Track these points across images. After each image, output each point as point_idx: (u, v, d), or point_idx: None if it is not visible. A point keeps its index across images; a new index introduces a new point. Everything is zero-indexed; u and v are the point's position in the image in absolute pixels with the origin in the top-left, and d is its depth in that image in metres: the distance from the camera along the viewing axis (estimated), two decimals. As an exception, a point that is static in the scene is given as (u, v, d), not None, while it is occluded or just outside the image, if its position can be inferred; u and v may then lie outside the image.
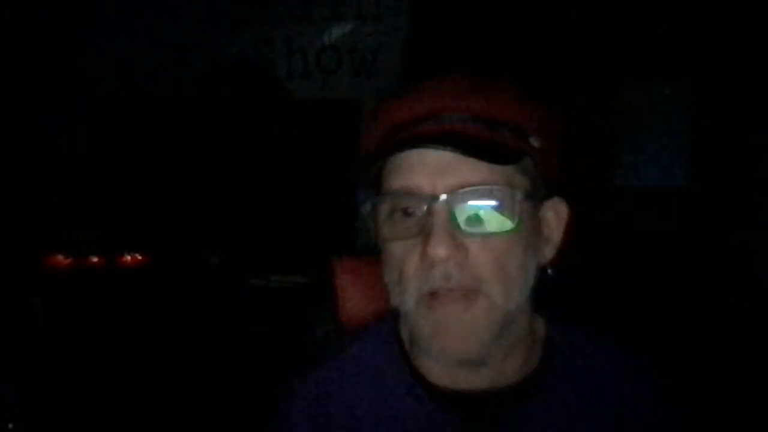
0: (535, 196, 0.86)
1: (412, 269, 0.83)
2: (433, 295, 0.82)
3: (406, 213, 0.84)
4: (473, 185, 0.81)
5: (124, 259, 3.18)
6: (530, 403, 0.88)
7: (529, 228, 0.85)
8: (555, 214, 0.91)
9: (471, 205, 0.82)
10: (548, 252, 0.90)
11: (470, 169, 0.81)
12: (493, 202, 0.82)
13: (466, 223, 0.81)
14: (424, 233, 0.81)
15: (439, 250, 0.79)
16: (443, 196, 0.81)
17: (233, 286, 3.10)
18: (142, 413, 2.57)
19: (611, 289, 2.86)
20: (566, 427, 0.88)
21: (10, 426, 1.48)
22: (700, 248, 2.89)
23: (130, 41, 3.47)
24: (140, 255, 3.21)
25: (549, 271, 0.89)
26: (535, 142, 0.87)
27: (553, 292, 0.92)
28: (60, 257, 3.10)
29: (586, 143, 2.96)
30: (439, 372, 0.89)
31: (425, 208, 0.82)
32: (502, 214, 0.82)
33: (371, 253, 1.03)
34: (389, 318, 0.97)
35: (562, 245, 0.91)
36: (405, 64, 3.25)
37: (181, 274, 3.12)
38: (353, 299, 1.16)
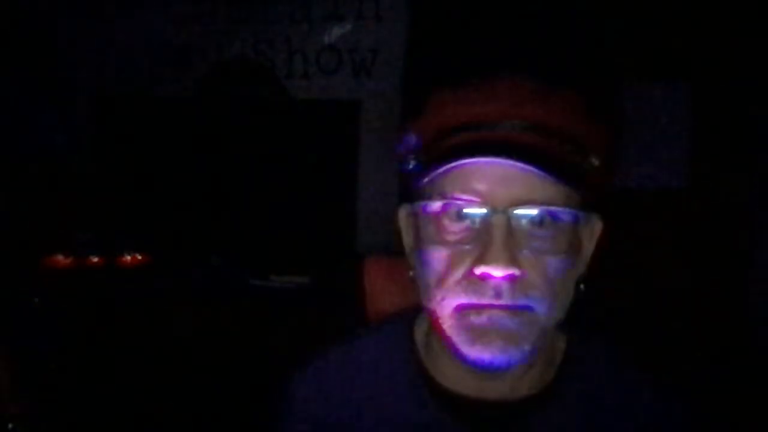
0: (583, 214, 0.84)
1: (458, 277, 0.80)
2: (478, 307, 0.79)
3: (459, 217, 0.81)
4: (535, 202, 0.79)
5: (124, 259, 3.18)
6: (539, 415, 0.87)
7: (577, 247, 0.85)
8: (591, 231, 0.89)
9: (529, 222, 0.79)
10: (582, 268, 0.88)
11: (532, 183, 0.78)
12: (555, 222, 0.80)
13: (522, 240, 0.79)
14: (480, 243, 0.79)
15: (496, 266, 0.77)
16: (505, 210, 0.78)
17: (233, 286, 3.10)
18: (142, 413, 2.57)
19: (611, 291, 2.86)
20: None
21: (10, 426, 1.48)
22: (700, 248, 2.89)
23: (130, 41, 3.47)
24: (140, 255, 3.21)
25: (581, 286, 0.87)
26: (595, 159, 0.84)
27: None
28: (60, 257, 3.10)
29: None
30: (455, 378, 0.88)
31: (484, 217, 0.79)
32: (559, 234, 0.80)
33: (386, 253, 1.05)
34: (404, 318, 0.96)
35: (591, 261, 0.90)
36: (405, 64, 3.25)
37: (181, 274, 3.12)
38: (384, 300, 1.15)
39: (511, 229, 0.78)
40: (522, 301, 0.79)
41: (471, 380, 0.86)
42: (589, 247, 0.89)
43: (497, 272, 0.77)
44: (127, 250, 3.20)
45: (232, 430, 2.50)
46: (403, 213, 0.90)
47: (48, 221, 3.18)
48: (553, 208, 0.79)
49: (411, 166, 0.86)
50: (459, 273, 0.80)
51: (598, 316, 1.05)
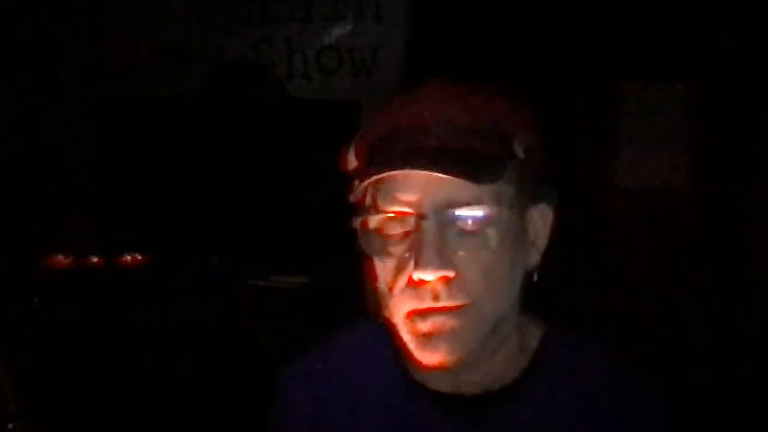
0: (521, 204, 0.86)
1: (401, 285, 0.83)
2: (421, 312, 0.82)
3: (395, 230, 0.84)
4: (460, 204, 0.81)
5: (124, 259, 3.18)
6: (513, 405, 0.90)
7: (516, 237, 0.86)
8: (542, 220, 0.91)
9: (458, 223, 0.82)
10: (533, 257, 0.90)
11: (457, 185, 0.80)
12: (480, 219, 0.82)
13: (453, 241, 0.82)
14: (413, 250, 0.82)
15: (427, 270, 0.80)
16: (431, 215, 0.81)
17: (233, 286, 3.10)
18: (142, 413, 2.57)
19: (611, 289, 2.86)
20: (551, 428, 0.89)
21: (10, 426, 1.48)
22: (700, 249, 2.89)
23: (130, 41, 3.47)
24: (140, 255, 3.21)
25: (534, 276, 0.89)
26: (519, 147, 0.86)
27: (556, 293, 0.92)
28: (60, 257, 3.10)
29: (586, 143, 2.97)
30: (430, 374, 0.90)
31: (415, 227, 0.82)
32: (490, 229, 0.82)
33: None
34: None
35: (548, 249, 0.91)
36: (405, 64, 3.25)
37: (181, 274, 3.12)
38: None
39: (442, 232, 0.81)
40: (461, 300, 0.82)
41: (443, 376, 0.89)
42: (540, 236, 0.91)
43: (429, 276, 0.81)
44: (127, 250, 3.20)
45: (232, 430, 2.50)
46: (355, 227, 0.92)
47: (48, 221, 3.18)
48: (478, 208, 0.82)
49: (352, 191, 0.89)
50: (402, 281, 0.84)
51: (598, 315, 1.05)
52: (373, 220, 0.85)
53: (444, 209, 0.81)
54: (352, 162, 0.92)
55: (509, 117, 0.86)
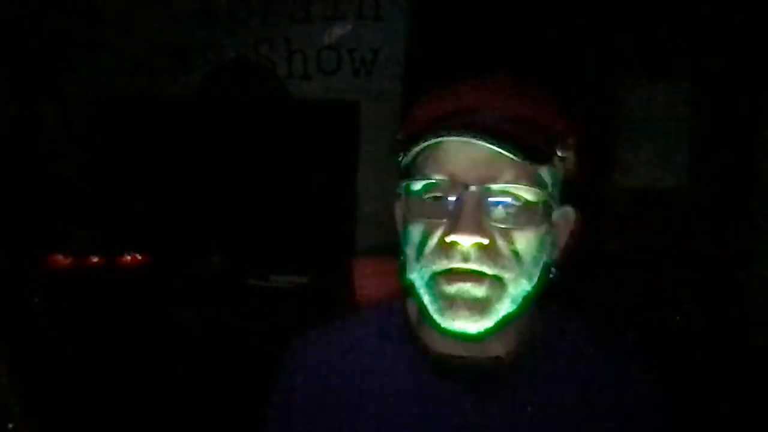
0: (553, 199, 0.91)
1: (433, 246, 0.88)
2: (448, 273, 0.86)
3: (437, 197, 0.88)
4: (505, 181, 0.86)
5: (124, 259, 3.18)
6: (516, 382, 0.94)
7: (546, 228, 0.90)
8: (565, 220, 0.96)
9: (499, 198, 0.87)
10: (554, 253, 0.94)
11: (503, 166, 0.85)
12: (521, 199, 0.87)
13: (492, 213, 0.87)
14: (453, 217, 0.86)
15: (464, 234, 0.84)
16: (475, 187, 0.86)
17: (233, 286, 3.10)
18: (142, 413, 2.57)
19: (611, 289, 2.86)
20: (555, 401, 0.94)
21: (10, 426, 1.48)
22: (700, 248, 2.89)
23: (130, 41, 3.47)
24: (140, 255, 3.21)
25: (552, 271, 0.94)
26: (562, 150, 0.91)
27: (555, 292, 0.94)
28: (60, 257, 3.10)
29: (586, 143, 2.96)
30: (443, 343, 0.94)
31: (457, 195, 0.86)
32: (527, 210, 0.87)
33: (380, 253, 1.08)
34: (398, 299, 1.03)
35: (566, 250, 0.97)
36: (405, 64, 3.25)
37: (181, 274, 3.12)
38: (372, 301, 1.17)
39: (481, 203, 0.86)
40: (489, 268, 0.86)
41: (455, 345, 0.93)
42: (562, 237, 0.96)
43: (464, 239, 0.85)
44: (127, 250, 3.20)
45: (232, 430, 2.50)
46: (397, 204, 0.97)
47: (48, 221, 3.18)
48: (519, 187, 0.87)
49: (401, 157, 0.93)
50: (433, 242, 0.88)
51: (597, 314, 1.06)
52: (418, 184, 0.90)
53: (488, 182, 0.86)
54: (406, 133, 0.96)
55: (556, 116, 0.92)
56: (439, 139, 0.87)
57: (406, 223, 0.92)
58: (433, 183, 0.89)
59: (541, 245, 0.90)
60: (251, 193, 3.35)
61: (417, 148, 0.89)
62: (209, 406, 2.60)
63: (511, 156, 0.84)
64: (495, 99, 0.91)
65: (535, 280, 0.90)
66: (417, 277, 0.90)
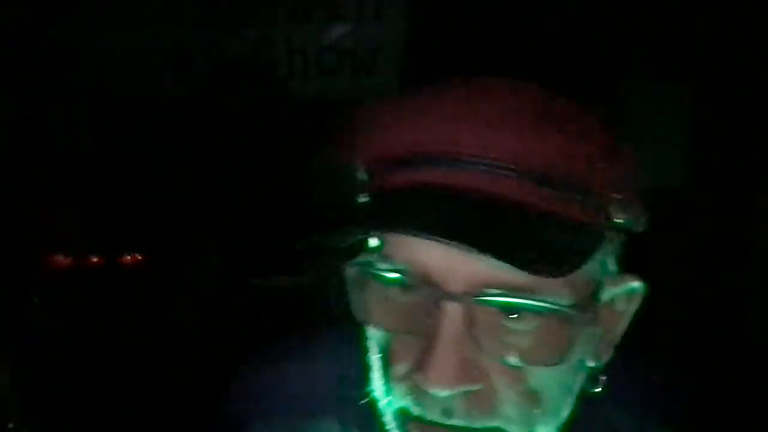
0: (600, 287, 0.59)
1: (401, 374, 0.58)
2: (422, 422, 0.57)
3: (400, 298, 0.58)
4: (509, 287, 0.53)
5: (124, 259, 3.17)
6: None
7: (586, 335, 0.57)
8: (624, 299, 0.64)
9: (501, 314, 0.54)
10: (604, 350, 0.62)
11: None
12: (537, 315, 0.54)
13: (489, 340, 0.54)
14: (424, 342, 0.55)
15: (440, 384, 0.53)
16: (460, 295, 0.54)
17: (233, 286, 3.10)
18: (142, 413, 2.56)
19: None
20: None
21: (10, 426, 1.48)
22: (700, 248, 2.89)
23: (130, 41, 3.46)
24: (140, 255, 3.21)
25: (600, 379, 0.61)
26: (618, 212, 0.58)
27: None
28: (60, 257, 3.10)
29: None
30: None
31: (430, 305, 0.55)
32: (550, 331, 0.54)
33: None
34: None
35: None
36: (405, 64, 3.25)
37: (181, 274, 3.12)
38: None
39: (473, 322, 0.54)
40: (486, 420, 0.55)
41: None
42: (618, 321, 0.63)
43: (442, 392, 0.53)
44: (127, 250, 3.19)
45: (232, 430, 2.50)
46: (347, 279, 0.63)
47: (48, 221, 3.18)
48: (536, 297, 0.53)
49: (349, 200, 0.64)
50: (401, 369, 0.58)
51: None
52: (369, 280, 0.58)
53: (482, 289, 0.54)
54: (349, 167, 0.66)
55: (605, 160, 0.57)
56: (388, 232, 0.55)
57: (365, 313, 0.60)
58: (395, 279, 0.57)
59: (574, 369, 0.58)
60: (251, 193, 3.35)
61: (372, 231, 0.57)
62: (209, 406, 2.60)
63: (519, 268, 0.50)
64: (496, 130, 0.54)
65: (566, 410, 0.59)
66: (380, 397, 0.60)
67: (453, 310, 0.54)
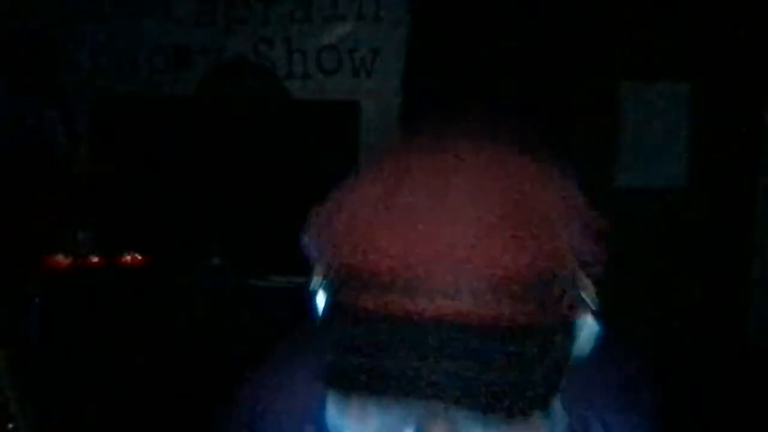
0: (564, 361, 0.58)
1: None
2: None
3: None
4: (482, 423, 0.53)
5: (124, 259, 3.18)
6: None
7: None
8: (585, 338, 0.61)
9: None
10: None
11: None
12: None
13: None
14: None
15: None
16: None
17: (233, 286, 3.10)
18: (142, 413, 2.56)
19: (611, 289, 2.86)
20: None
21: (10, 426, 1.48)
22: (700, 248, 2.89)
23: (130, 41, 3.46)
24: (140, 255, 3.21)
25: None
26: (590, 297, 0.57)
27: None
28: (60, 257, 3.10)
29: (586, 143, 2.96)
30: None
31: None
32: None
33: None
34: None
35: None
36: (405, 64, 3.25)
37: (181, 274, 3.12)
38: None
39: None
40: None
41: None
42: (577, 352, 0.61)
43: None
44: (127, 250, 3.20)
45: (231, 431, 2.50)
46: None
47: (48, 221, 3.18)
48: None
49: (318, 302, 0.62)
50: None
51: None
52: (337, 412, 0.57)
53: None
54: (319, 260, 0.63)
55: (577, 238, 0.56)
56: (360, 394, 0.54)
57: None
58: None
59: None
60: (251, 193, 3.35)
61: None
62: (209, 406, 2.60)
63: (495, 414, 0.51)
64: (455, 258, 0.52)
65: None
66: None
67: None
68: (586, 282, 0.57)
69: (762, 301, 2.83)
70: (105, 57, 3.49)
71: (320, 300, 0.63)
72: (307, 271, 0.65)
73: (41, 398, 1.72)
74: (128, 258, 3.18)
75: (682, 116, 2.92)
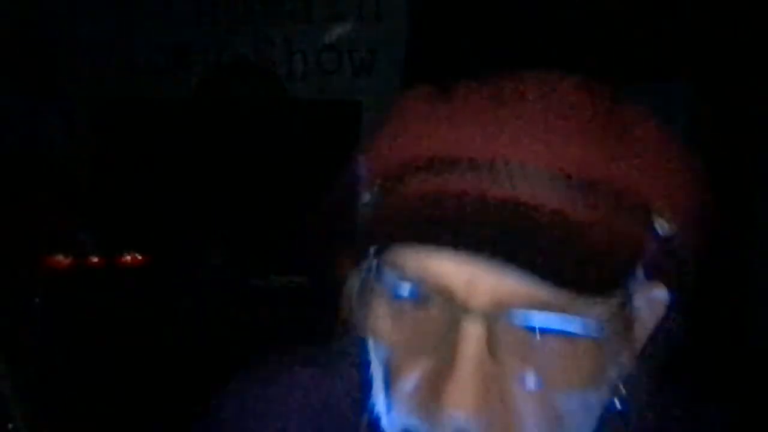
0: (629, 299, 0.54)
1: (408, 390, 0.52)
2: None
3: (414, 313, 0.53)
4: (536, 305, 0.49)
5: (124, 259, 3.18)
6: None
7: (613, 348, 0.53)
8: (648, 308, 0.58)
9: (527, 334, 0.50)
10: (627, 361, 0.56)
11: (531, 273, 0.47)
12: (567, 337, 0.50)
13: (512, 361, 0.50)
14: (441, 354, 0.50)
15: (461, 408, 0.49)
16: (481, 313, 0.49)
17: (233, 286, 3.10)
18: (142, 413, 2.56)
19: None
20: None
21: (10, 426, 1.48)
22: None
23: (130, 41, 3.47)
24: (140, 255, 3.21)
25: (617, 400, 0.55)
26: (662, 225, 0.54)
27: None
28: (60, 257, 3.10)
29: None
30: None
31: (452, 323, 0.50)
32: (575, 354, 0.50)
33: None
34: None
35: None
36: (405, 64, 3.25)
37: (181, 274, 3.12)
38: None
39: (495, 342, 0.49)
40: None
41: None
42: (641, 330, 0.58)
43: (460, 414, 0.49)
44: (127, 250, 3.20)
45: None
46: (351, 290, 0.62)
47: (48, 221, 3.18)
48: (568, 318, 0.49)
49: (364, 207, 0.59)
50: (409, 384, 0.52)
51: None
52: (376, 291, 0.55)
53: (508, 306, 0.49)
54: (366, 173, 0.61)
55: (655, 166, 0.55)
56: (423, 246, 0.49)
57: (371, 326, 0.56)
58: (407, 291, 0.52)
59: (596, 381, 0.52)
60: (251, 193, 3.35)
61: (373, 247, 0.54)
62: (209, 406, 2.60)
63: (557, 285, 0.47)
64: (528, 141, 0.50)
65: (590, 429, 0.55)
66: (383, 414, 0.55)
67: (475, 329, 0.49)
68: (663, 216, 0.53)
69: (762, 301, 2.83)
70: (105, 57, 3.49)
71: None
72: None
73: (41, 398, 1.72)
74: (128, 258, 3.18)
75: (680, 116, 2.93)
